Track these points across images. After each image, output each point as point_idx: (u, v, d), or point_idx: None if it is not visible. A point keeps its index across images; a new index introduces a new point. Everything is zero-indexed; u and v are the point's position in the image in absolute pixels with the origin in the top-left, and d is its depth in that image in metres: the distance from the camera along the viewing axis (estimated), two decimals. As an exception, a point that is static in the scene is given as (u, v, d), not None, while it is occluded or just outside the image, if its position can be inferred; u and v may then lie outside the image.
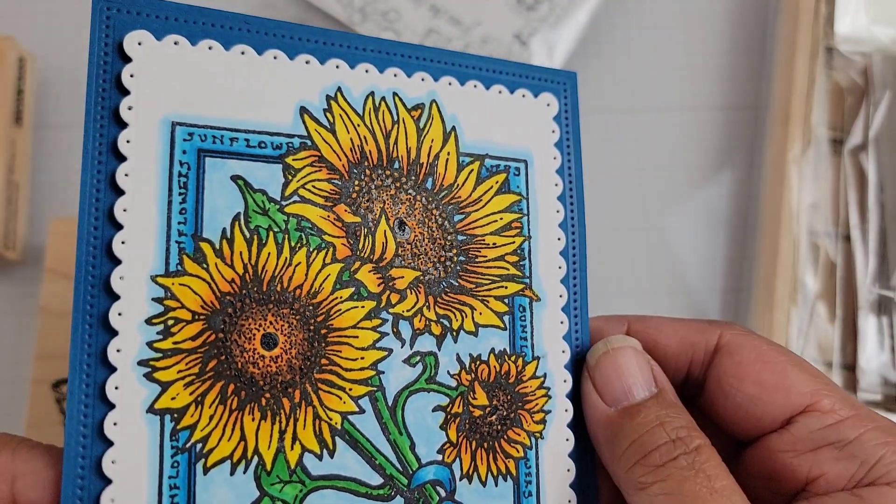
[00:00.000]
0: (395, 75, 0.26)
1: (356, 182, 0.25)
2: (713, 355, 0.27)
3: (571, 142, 0.28)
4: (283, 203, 0.24)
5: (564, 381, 0.27)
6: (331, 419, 0.23)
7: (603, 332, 0.28)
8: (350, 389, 0.24)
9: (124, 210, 0.22)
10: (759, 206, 0.47)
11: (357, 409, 0.24)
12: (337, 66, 0.25)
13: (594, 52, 0.50)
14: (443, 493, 0.24)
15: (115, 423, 0.21)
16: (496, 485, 0.25)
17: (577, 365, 0.27)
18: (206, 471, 0.22)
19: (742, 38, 0.51)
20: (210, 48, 0.24)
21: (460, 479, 0.25)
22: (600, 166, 0.48)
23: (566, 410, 0.26)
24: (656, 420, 0.25)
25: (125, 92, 0.23)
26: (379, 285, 0.25)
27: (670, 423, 0.25)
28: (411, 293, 0.25)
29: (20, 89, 0.45)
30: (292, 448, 0.23)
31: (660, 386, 0.26)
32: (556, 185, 0.28)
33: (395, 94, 0.26)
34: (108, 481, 0.21)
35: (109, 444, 0.21)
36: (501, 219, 0.27)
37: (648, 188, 0.49)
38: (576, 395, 0.27)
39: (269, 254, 0.23)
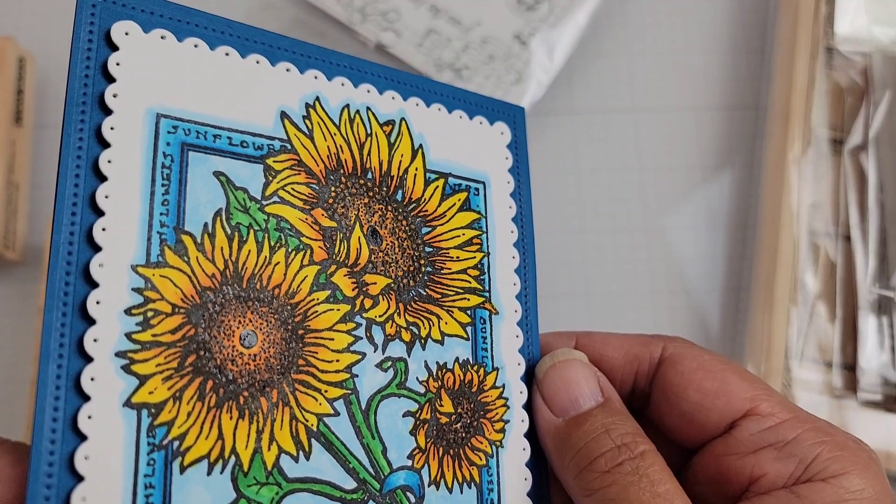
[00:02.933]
0: (368, 91, 0.27)
1: (332, 188, 0.25)
2: (657, 367, 0.29)
3: (520, 170, 0.30)
4: (264, 202, 0.24)
5: (521, 392, 0.28)
6: (307, 420, 0.23)
7: (552, 346, 0.29)
8: (325, 391, 0.24)
9: (106, 196, 0.21)
10: (759, 206, 0.47)
11: (332, 412, 0.24)
12: (315, 77, 0.26)
13: (594, 52, 0.50)
14: (412, 499, 0.24)
15: (89, 417, 0.20)
16: (461, 492, 0.25)
17: (531, 377, 0.28)
18: (182, 470, 0.21)
19: (742, 38, 0.51)
20: (196, 46, 0.24)
21: (428, 486, 0.25)
22: (600, 166, 0.48)
23: (522, 421, 0.27)
24: (602, 427, 0.26)
25: (111, 79, 0.22)
26: (353, 289, 0.25)
27: (616, 430, 0.26)
28: (383, 299, 0.25)
29: (20, 89, 0.44)
30: (269, 449, 0.22)
31: (606, 395, 0.27)
32: (510, 207, 0.29)
33: (368, 108, 0.27)
34: (79, 478, 0.20)
35: (83, 438, 0.20)
36: (464, 234, 0.28)
37: (648, 188, 0.49)
38: (531, 407, 0.28)
39: (249, 251, 0.23)
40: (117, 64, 0.22)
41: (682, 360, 0.28)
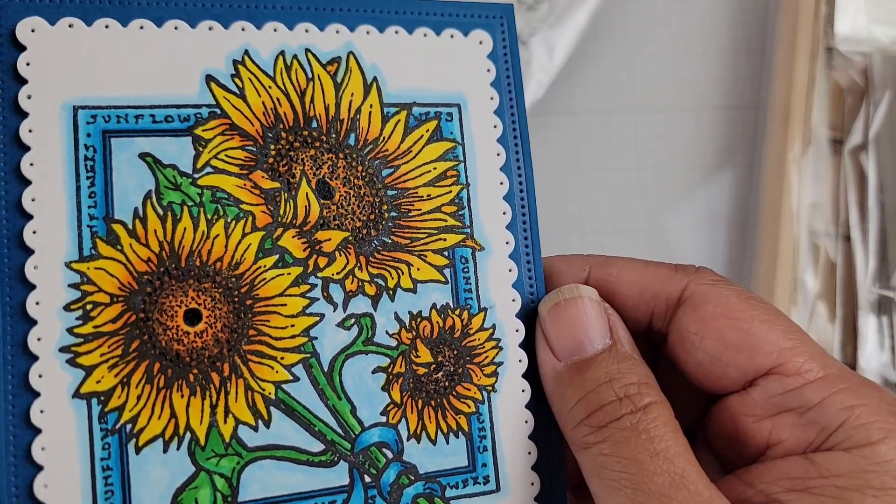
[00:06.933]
0: (306, 31, 0.25)
1: (272, 147, 0.24)
2: (676, 307, 0.25)
3: (512, 79, 0.27)
4: (196, 176, 0.23)
5: (517, 330, 0.26)
6: (264, 389, 0.23)
7: (560, 274, 0.26)
8: (282, 358, 0.23)
9: (32, 199, 0.22)
10: (759, 206, 0.47)
11: (291, 378, 0.23)
12: (242, 29, 0.24)
13: (594, 52, 0.50)
14: (390, 455, 0.24)
15: (41, 411, 0.22)
16: (447, 442, 0.25)
17: (532, 313, 0.26)
18: (138, 450, 0.22)
19: (742, 38, 0.51)
20: (107, 27, 0.23)
21: (408, 440, 0.24)
22: (600, 166, 0.49)
23: (520, 361, 0.25)
24: (605, 377, 0.23)
25: (23, 81, 0.22)
26: (304, 250, 0.24)
27: (620, 380, 0.23)
28: (340, 255, 0.24)
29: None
30: (225, 421, 0.23)
31: (615, 338, 0.24)
32: (495, 126, 0.26)
33: (307, 50, 0.25)
34: (39, 468, 0.21)
35: (37, 431, 0.22)
36: (435, 168, 0.26)
37: (648, 188, 0.49)
38: (530, 345, 0.26)
39: (184, 229, 0.23)
40: (27, 64, 0.23)
41: (704, 302, 0.24)
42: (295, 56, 0.25)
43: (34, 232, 0.22)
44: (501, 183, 0.26)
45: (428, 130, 0.26)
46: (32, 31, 0.23)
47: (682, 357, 0.25)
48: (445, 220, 0.25)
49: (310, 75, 0.25)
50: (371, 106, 0.25)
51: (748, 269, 0.47)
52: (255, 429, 0.23)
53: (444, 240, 0.25)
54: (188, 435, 0.22)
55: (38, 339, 0.22)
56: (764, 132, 0.48)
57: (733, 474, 0.24)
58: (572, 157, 0.48)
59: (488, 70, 0.26)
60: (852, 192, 0.45)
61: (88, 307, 0.22)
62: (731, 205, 0.49)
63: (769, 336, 0.24)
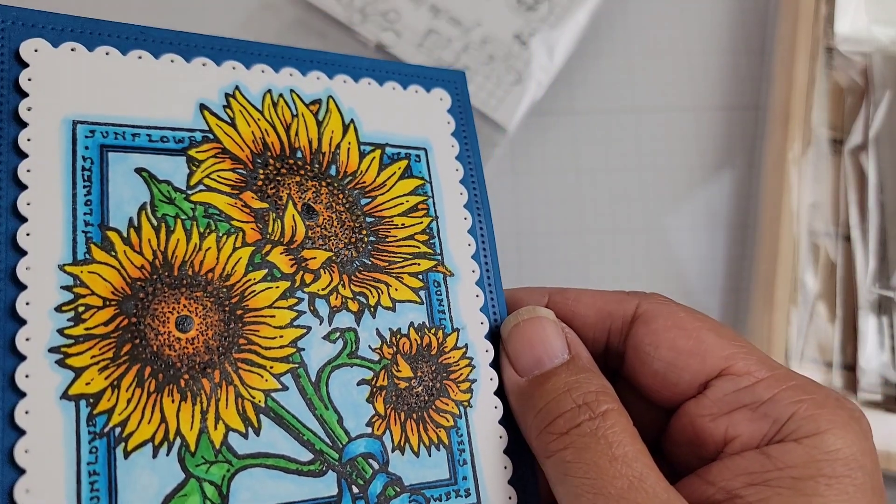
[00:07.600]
0: (290, 74, 0.27)
1: (261, 171, 0.26)
2: (631, 324, 0.28)
3: (468, 132, 0.30)
4: (189, 192, 0.24)
5: (486, 350, 0.27)
6: (253, 397, 0.23)
7: (523, 303, 0.28)
8: (271, 367, 0.24)
9: (28, 203, 0.22)
10: (759, 206, 0.47)
11: (280, 387, 0.24)
12: (233, 68, 0.26)
13: (594, 52, 0.50)
14: (376, 466, 0.24)
15: (26, 412, 0.21)
16: (429, 455, 0.25)
17: (499, 336, 0.28)
18: (126, 455, 0.21)
19: (742, 38, 0.51)
20: (107, 53, 0.25)
21: (392, 451, 0.25)
22: (600, 166, 0.49)
23: (491, 379, 0.27)
24: (564, 387, 0.25)
25: (24, 94, 0.23)
26: (292, 266, 0.25)
27: (578, 389, 0.25)
28: (325, 273, 0.25)
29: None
30: (216, 428, 0.23)
31: (573, 353, 0.26)
32: (457, 170, 0.29)
33: (292, 90, 0.27)
34: (21, 471, 0.20)
35: (22, 432, 0.20)
36: (407, 201, 0.28)
37: (648, 188, 0.49)
38: (499, 365, 0.27)
39: (178, 240, 0.24)
40: (29, 79, 0.23)
41: (656, 317, 0.27)
42: (281, 95, 0.27)
43: (28, 234, 0.22)
44: (465, 218, 0.28)
45: (400, 168, 0.28)
46: (35, 50, 0.24)
47: (638, 369, 0.27)
48: (419, 247, 0.27)
49: (294, 112, 0.27)
50: (349, 143, 0.27)
51: (748, 269, 0.47)
52: (245, 436, 0.23)
53: (418, 264, 0.27)
54: (178, 440, 0.22)
55: (27, 339, 0.21)
56: (764, 132, 0.48)
57: (694, 474, 0.26)
58: (572, 157, 0.48)
59: (448, 122, 0.29)
60: (852, 192, 0.45)
61: (80, 309, 0.22)
62: (731, 205, 0.49)
63: (718, 342, 0.26)
